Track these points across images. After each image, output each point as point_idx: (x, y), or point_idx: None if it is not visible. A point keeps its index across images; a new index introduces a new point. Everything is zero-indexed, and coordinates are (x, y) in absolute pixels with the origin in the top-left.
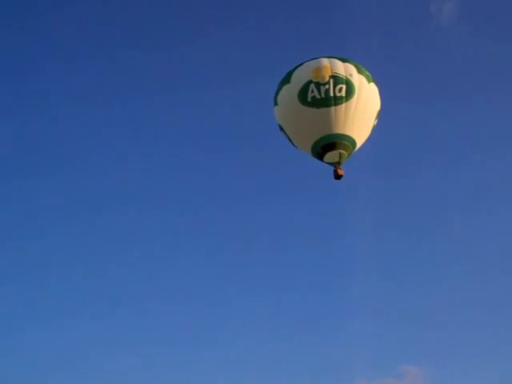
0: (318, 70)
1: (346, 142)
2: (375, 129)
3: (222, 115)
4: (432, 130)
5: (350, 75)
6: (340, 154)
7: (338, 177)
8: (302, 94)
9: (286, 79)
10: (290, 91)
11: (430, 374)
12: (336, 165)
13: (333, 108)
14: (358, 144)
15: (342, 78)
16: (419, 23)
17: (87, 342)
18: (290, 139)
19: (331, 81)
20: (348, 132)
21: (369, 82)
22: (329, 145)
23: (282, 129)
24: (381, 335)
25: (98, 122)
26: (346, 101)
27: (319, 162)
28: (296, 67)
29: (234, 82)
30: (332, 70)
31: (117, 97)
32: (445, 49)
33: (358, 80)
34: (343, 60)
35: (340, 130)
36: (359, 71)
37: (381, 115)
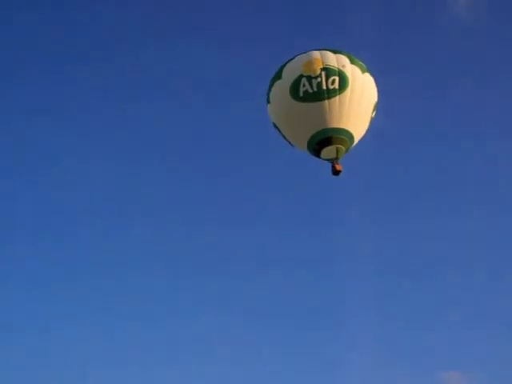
0: (309, 63)
1: (342, 136)
2: (374, 121)
3: (220, 115)
4: (437, 125)
5: (343, 66)
6: (337, 148)
7: (336, 172)
8: (294, 89)
9: (278, 75)
10: (282, 87)
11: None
12: (334, 160)
13: (326, 101)
14: (356, 138)
15: (334, 70)
16: (434, 12)
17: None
18: (284, 137)
19: (323, 73)
20: (344, 126)
21: (363, 72)
22: (325, 140)
23: (276, 127)
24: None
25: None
26: (340, 93)
27: (317, 159)
28: (287, 62)
29: (233, 80)
30: (323, 62)
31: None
32: (461, 40)
33: (351, 71)
34: (335, 51)
35: (335, 124)
36: (352, 62)
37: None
